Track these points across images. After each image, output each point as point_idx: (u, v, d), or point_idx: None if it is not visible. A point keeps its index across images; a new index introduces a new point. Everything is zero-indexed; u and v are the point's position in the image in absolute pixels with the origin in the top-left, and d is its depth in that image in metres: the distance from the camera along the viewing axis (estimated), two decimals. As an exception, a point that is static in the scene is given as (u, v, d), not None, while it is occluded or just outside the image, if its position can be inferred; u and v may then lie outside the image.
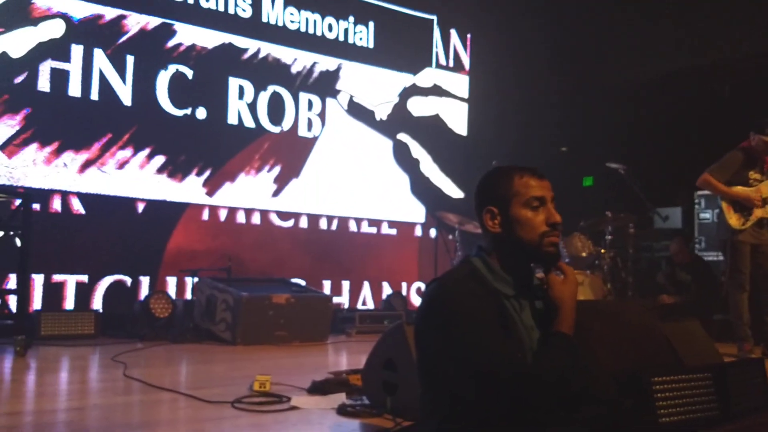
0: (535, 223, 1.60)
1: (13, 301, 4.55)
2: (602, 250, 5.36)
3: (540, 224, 1.60)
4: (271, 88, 6.34)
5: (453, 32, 7.73)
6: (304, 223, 6.46)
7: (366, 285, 6.79)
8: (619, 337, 2.79)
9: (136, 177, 5.54)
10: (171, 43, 5.81)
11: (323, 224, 6.57)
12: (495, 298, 1.58)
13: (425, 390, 1.64)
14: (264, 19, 6.34)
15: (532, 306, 1.65)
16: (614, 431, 1.64)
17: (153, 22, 5.73)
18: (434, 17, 7.59)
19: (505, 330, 1.54)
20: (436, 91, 7.57)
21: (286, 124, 6.42)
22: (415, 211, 7.25)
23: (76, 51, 5.37)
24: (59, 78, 5.29)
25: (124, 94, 5.56)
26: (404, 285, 7.03)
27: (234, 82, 6.13)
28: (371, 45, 7.06)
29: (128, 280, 5.48)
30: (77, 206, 5.31)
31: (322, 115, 6.67)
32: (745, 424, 2.60)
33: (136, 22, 5.65)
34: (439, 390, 1.59)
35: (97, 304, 5.31)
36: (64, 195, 5.25)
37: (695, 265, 5.97)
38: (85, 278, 5.29)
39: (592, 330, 1.87)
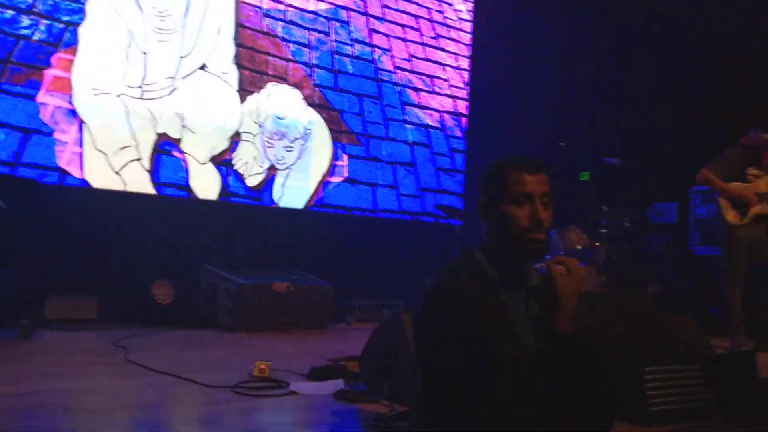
0: (519, 218, 1.60)
1: (17, 285, 4.55)
2: (597, 243, 5.40)
3: (522, 219, 1.60)
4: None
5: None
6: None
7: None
8: (616, 326, 2.85)
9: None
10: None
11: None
12: (493, 289, 1.61)
13: (424, 380, 1.65)
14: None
15: (527, 298, 1.66)
16: (606, 419, 1.68)
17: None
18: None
19: (501, 321, 1.56)
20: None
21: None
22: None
23: None
24: None
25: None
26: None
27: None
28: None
29: (132, 267, 5.44)
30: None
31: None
32: (735, 415, 2.66)
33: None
34: (437, 381, 1.60)
35: (100, 289, 5.29)
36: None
37: (685, 259, 6.03)
38: (89, 263, 5.27)
39: (590, 320, 1.91)
